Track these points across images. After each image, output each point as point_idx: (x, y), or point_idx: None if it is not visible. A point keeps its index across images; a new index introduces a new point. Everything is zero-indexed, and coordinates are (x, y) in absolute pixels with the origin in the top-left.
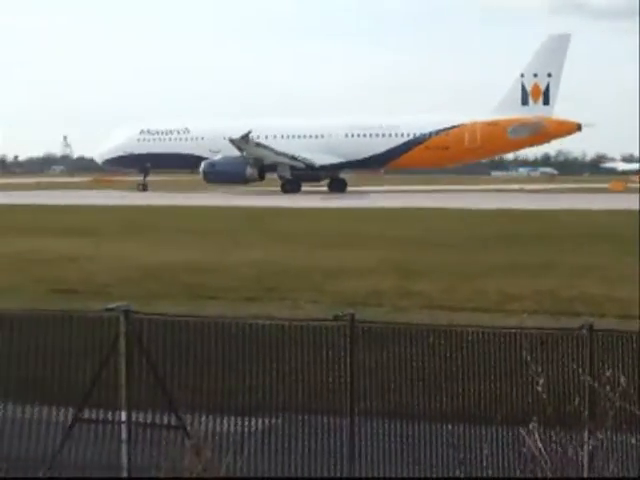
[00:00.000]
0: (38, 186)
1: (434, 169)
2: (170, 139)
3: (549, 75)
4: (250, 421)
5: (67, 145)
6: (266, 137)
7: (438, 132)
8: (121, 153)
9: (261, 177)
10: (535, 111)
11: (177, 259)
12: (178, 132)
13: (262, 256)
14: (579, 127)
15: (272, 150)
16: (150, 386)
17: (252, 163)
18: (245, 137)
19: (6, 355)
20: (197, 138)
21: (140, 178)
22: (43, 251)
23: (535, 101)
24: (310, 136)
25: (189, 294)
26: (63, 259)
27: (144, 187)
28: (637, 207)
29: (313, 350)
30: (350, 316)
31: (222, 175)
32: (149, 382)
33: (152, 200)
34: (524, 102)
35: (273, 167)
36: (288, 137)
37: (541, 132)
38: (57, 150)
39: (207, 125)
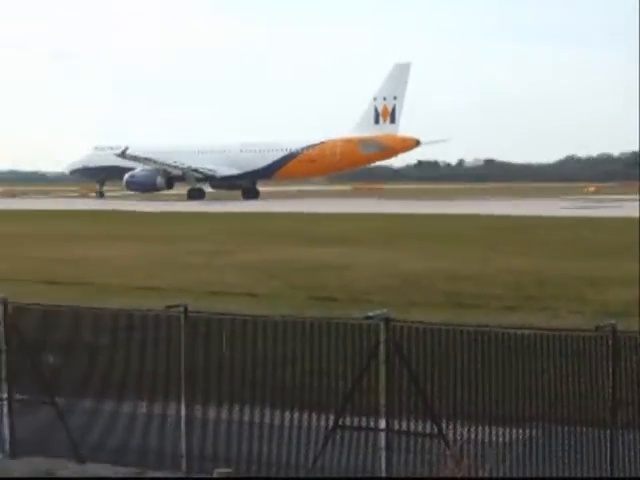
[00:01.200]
0: (299, 194)
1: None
2: (114, 154)
3: (395, 98)
4: (510, 431)
5: None
6: (185, 152)
7: (308, 148)
8: (80, 166)
9: (169, 186)
10: (385, 129)
11: (435, 266)
12: (119, 148)
13: (521, 264)
14: (417, 142)
15: (156, 162)
16: (409, 394)
17: (162, 174)
18: (122, 153)
19: (267, 361)
20: (134, 153)
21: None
22: (303, 259)
23: (385, 120)
24: (214, 151)
25: (448, 302)
26: (323, 267)
27: (101, 194)
28: None
29: (574, 361)
30: (612, 327)
31: (138, 184)
32: (408, 390)
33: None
34: (376, 121)
35: (181, 178)
36: (199, 152)
37: (387, 147)
38: None
39: (143, 142)
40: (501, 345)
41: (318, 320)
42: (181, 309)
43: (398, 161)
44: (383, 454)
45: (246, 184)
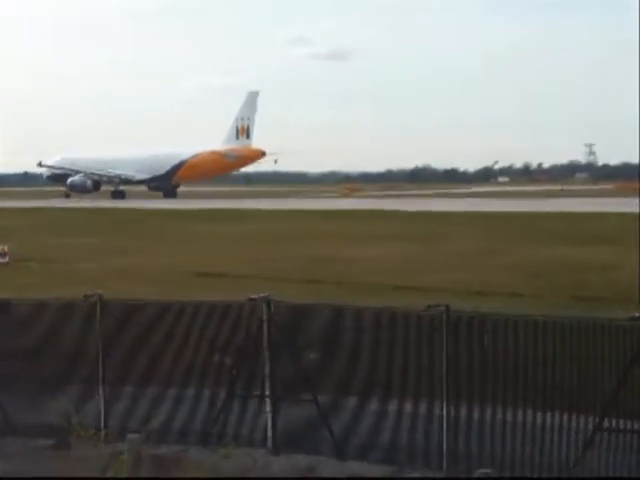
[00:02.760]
0: (560, 193)
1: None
2: (69, 164)
3: (249, 119)
4: None
5: (592, 153)
6: (113, 161)
7: (193, 157)
8: (49, 173)
9: (96, 188)
10: (244, 143)
11: None
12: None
13: None
14: (263, 153)
15: (68, 169)
16: None
17: (90, 178)
18: (39, 163)
19: (529, 361)
20: (81, 162)
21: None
22: (565, 258)
23: (242, 136)
24: (132, 160)
25: None
26: (586, 266)
27: (67, 195)
28: None
29: None
30: None
31: (75, 186)
32: None
33: None
34: (237, 137)
35: (106, 181)
36: (126, 161)
37: (242, 157)
38: (581, 157)
39: (87, 154)
40: None
41: (581, 320)
42: (442, 308)
43: None
44: None
45: (166, 186)
